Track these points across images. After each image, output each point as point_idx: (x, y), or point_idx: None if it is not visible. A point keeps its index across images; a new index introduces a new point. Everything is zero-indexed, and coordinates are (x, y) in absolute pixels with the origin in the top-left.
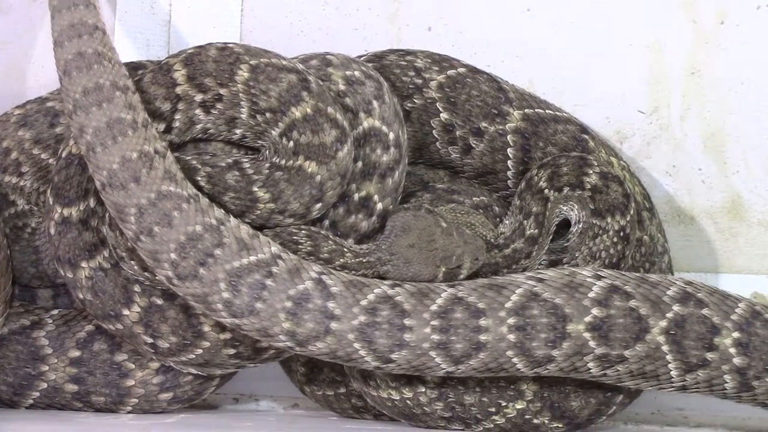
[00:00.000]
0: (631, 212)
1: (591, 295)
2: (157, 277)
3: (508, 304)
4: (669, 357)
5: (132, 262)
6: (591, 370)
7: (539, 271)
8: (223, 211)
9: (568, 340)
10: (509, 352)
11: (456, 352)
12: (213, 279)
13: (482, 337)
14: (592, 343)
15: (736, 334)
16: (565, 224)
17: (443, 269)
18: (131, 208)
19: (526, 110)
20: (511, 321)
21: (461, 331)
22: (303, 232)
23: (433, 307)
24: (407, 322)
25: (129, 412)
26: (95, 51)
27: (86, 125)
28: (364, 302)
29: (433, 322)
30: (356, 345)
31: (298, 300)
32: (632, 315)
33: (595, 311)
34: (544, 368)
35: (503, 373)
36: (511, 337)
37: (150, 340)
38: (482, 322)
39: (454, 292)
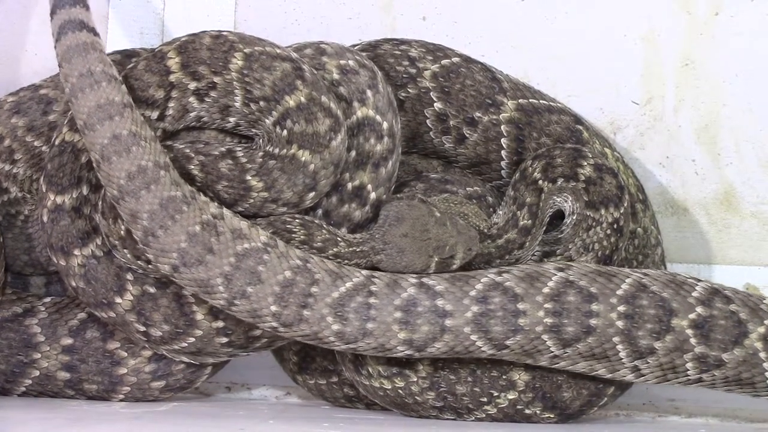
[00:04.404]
0: (625, 204)
1: (695, 294)
2: (150, 266)
3: (619, 292)
4: (766, 365)
5: (125, 250)
6: (688, 372)
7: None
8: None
9: (672, 334)
10: (615, 338)
11: (567, 335)
12: (319, 317)
13: (593, 322)
14: (693, 341)
15: None
16: (558, 215)
17: (436, 259)
18: (216, 278)
19: (520, 100)
20: (621, 308)
21: (573, 314)
22: (296, 221)
23: (546, 290)
24: (521, 306)
25: (121, 400)
26: (130, 132)
27: (139, 210)
28: (473, 293)
29: (547, 305)
30: (473, 337)
31: (406, 308)
32: (733, 318)
33: (699, 309)
34: (644, 361)
35: (604, 362)
36: (620, 323)
37: (142, 329)
38: (594, 306)
39: (564, 276)
